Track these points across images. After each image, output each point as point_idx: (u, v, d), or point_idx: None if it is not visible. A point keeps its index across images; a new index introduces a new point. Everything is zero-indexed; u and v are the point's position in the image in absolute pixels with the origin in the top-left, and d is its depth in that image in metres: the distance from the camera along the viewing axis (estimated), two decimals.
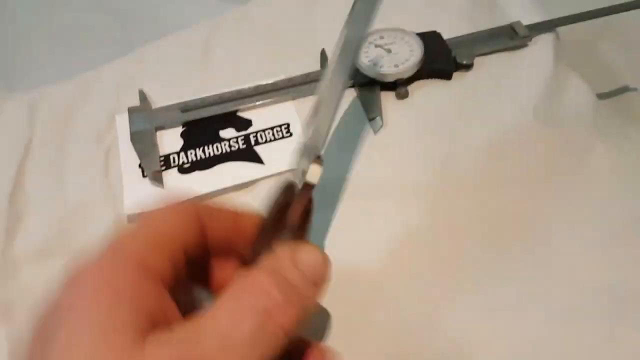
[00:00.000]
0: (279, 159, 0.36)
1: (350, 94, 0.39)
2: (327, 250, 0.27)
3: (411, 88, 0.39)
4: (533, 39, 0.41)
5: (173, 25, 0.52)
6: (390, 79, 0.38)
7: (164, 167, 0.36)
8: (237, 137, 0.38)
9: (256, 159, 0.36)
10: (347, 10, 0.44)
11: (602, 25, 0.58)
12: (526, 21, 0.41)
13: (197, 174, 0.36)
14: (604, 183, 0.33)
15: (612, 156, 0.34)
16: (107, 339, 0.17)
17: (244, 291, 0.20)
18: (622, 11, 0.42)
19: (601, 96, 0.49)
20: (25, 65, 0.51)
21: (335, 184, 0.35)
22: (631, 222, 0.31)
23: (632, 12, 0.44)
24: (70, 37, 0.54)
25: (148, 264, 0.20)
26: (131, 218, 0.35)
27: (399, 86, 0.39)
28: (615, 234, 0.31)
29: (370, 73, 0.39)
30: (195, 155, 0.37)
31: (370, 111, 0.38)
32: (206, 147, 0.37)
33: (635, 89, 0.52)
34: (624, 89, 0.52)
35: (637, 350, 0.27)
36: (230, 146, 0.37)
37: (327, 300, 0.25)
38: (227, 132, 0.38)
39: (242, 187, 0.36)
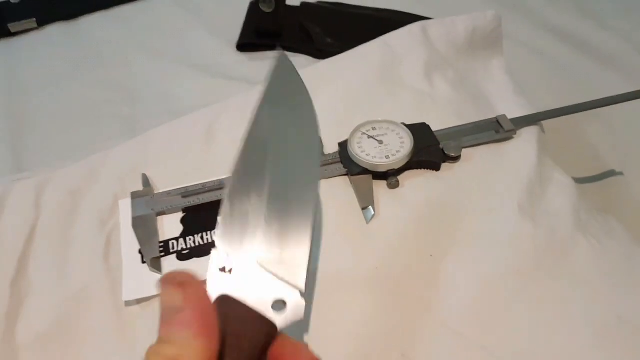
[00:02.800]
0: None
1: (344, 182, 0.41)
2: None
3: (401, 178, 0.41)
4: (518, 132, 0.43)
5: (179, 104, 0.55)
6: (382, 169, 0.40)
7: (163, 254, 0.38)
8: None
9: None
10: (342, 97, 0.47)
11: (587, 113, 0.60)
12: (512, 114, 0.44)
13: (194, 261, 0.37)
14: (587, 280, 0.35)
15: (596, 252, 0.36)
16: None
17: None
18: (603, 106, 0.45)
19: (585, 180, 0.52)
20: (34, 141, 0.54)
21: (330, 265, 0.36)
22: (614, 321, 0.32)
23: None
24: (78, 113, 0.57)
25: None
26: (129, 304, 0.36)
27: (390, 176, 0.40)
28: (598, 334, 0.32)
29: (363, 163, 0.41)
30: (194, 241, 0.39)
31: (363, 200, 0.40)
32: (204, 234, 0.39)
33: (620, 173, 0.54)
34: (609, 174, 0.54)
35: None
36: None
37: None
38: None
39: None
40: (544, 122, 0.45)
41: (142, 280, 0.37)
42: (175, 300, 0.21)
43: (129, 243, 0.38)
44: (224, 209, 0.26)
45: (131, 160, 0.44)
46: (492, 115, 0.44)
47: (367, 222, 0.39)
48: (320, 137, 0.29)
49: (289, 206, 0.27)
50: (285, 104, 0.30)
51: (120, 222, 0.40)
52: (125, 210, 0.40)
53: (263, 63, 0.61)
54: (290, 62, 0.32)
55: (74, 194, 0.42)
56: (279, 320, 0.24)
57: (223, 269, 0.25)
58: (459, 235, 0.37)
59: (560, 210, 0.38)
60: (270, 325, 0.24)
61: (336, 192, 0.41)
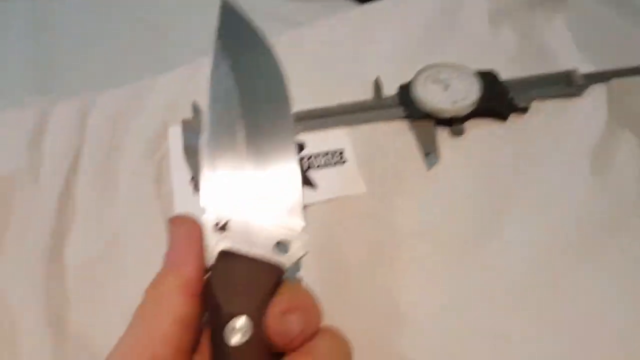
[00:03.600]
0: (330, 185, 0.36)
1: (404, 126, 0.39)
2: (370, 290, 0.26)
3: (467, 125, 0.39)
4: (589, 89, 0.41)
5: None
6: (447, 115, 0.38)
7: None
8: None
9: (309, 183, 0.36)
10: (401, 40, 0.45)
11: None
12: (580, 71, 0.42)
13: None
14: None
15: None
16: None
17: None
18: None
19: None
20: (68, 74, 0.51)
21: (389, 212, 0.34)
22: None
23: None
24: (108, 47, 0.54)
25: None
26: None
27: (454, 123, 0.39)
28: None
29: (427, 107, 0.39)
30: None
31: (425, 146, 0.38)
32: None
33: None
34: None
35: None
36: None
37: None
38: None
39: None
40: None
41: (193, 209, 0.35)
42: (169, 232, 0.24)
43: (180, 172, 0.37)
44: (205, 167, 0.25)
45: (180, 87, 0.42)
46: (555, 70, 0.42)
47: (429, 169, 0.37)
48: (285, 83, 0.27)
49: (270, 149, 0.25)
50: (242, 53, 0.28)
51: (170, 150, 0.38)
52: (175, 138, 0.39)
53: (303, 4, 0.58)
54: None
55: (120, 118, 0.40)
56: (284, 261, 0.23)
57: (217, 225, 0.23)
58: (525, 189, 0.35)
59: (629, 171, 0.36)
60: (276, 268, 0.23)
61: (395, 136, 0.39)
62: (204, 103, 0.40)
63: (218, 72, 0.27)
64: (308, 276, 0.25)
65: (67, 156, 0.37)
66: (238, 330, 0.22)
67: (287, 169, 0.25)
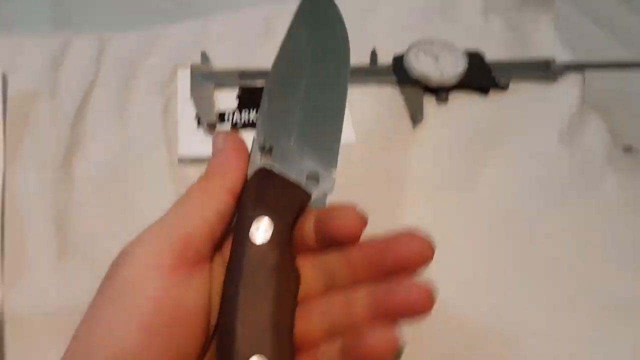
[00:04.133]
0: None
1: (395, 91, 0.43)
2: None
3: (451, 96, 0.43)
4: (564, 76, 0.45)
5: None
6: (434, 84, 0.42)
7: (219, 121, 0.39)
8: None
9: None
10: (400, 16, 0.49)
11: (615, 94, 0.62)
12: (558, 60, 0.46)
13: (248, 131, 0.39)
14: (613, 207, 0.37)
15: (622, 185, 0.38)
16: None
17: None
18: None
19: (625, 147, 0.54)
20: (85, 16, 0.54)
21: (377, 160, 0.38)
22: (634, 242, 0.35)
23: None
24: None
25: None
26: (182, 160, 0.37)
27: (440, 92, 0.42)
28: (619, 250, 0.34)
29: (417, 75, 0.42)
30: (249, 116, 0.40)
31: (412, 108, 0.41)
32: (255, 111, 0.41)
33: None
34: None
35: None
36: None
37: None
38: None
39: None
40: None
41: (197, 142, 0.38)
42: (219, 143, 0.27)
43: (186, 108, 0.40)
44: (262, 105, 0.29)
45: (191, 37, 0.45)
46: (537, 57, 0.46)
47: (414, 127, 0.41)
48: (349, 48, 0.31)
49: (323, 103, 0.29)
50: (318, 18, 0.32)
51: (178, 89, 0.41)
52: (184, 79, 0.42)
53: None
54: None
55: (134, 57, 0.43)
56: (314, 190, 0.27)
57: (263, 148, 0.27)
58: (499, 150, 0.39)
59: (594, 145, 0.40)
60: (305, 193, 0.26)
61: (386, 99, 0.43)
62: (212, 53, 0.44)
63: (297, 29, 0.31)
64: None
65: (84, 81, 0.40)
66: (262, 230, 0.25)
67: (334, 120, 0.29)
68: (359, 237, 0.26)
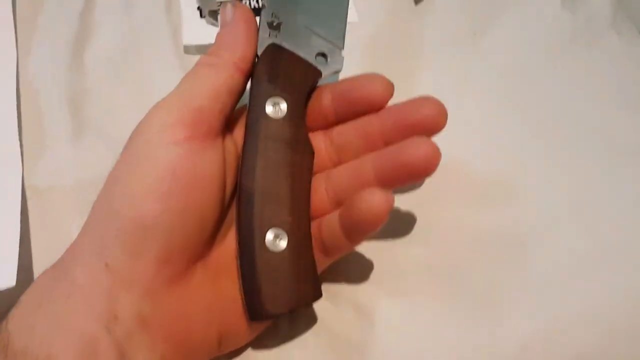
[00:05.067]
0: None
1: None
2: None
3: None
4: None
5: None
6: None
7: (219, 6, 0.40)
8: None
9: None
10: None
11: None
12: None
13: None
14: (615, 62, 0.37)
15: (627, 45, 0.38)
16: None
17: None
18: None
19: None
20: None
21: (381, 39, 0.38)
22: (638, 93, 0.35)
23: None
24: None
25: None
26: (187, 49, 0.38)
27: None
28: (629, 106, 0.35)
29: None
30: (250, 3, 0.40)
31: None
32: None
33: None
34: None
35: None
36: None
37: None
38: None
39: None
40: None
41: (201, 30, 0.39)
42: (228, 15, 0.27)
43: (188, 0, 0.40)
44: None
45: None
46: None
47: (416, 5, 0.40)
48: None
49: None
50: None
51: None
52: None
53: None
54: None
55: None
56: (323, 68, 0.27)
57: (271, 24, 0.27)
58: (502, 19, 0.39)
59: (599, 8, 0.40)
60: (315, 70, 0.27)
61: None
62: None
63: None
64: None
65: None
66: (277, 106, 0.26)
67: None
68: (386, 103, 0.26)
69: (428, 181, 0.30)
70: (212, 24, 0.39)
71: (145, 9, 0.40)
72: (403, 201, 0.32)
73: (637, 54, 0.38)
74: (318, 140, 0.28)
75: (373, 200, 0.23)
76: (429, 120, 0.25)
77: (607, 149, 0.33)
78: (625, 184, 0.32)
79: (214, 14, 0.39)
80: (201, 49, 0.38)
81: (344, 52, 0.28)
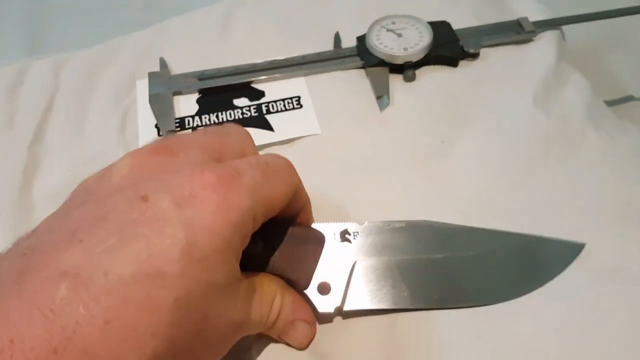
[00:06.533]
0: (288, 127, 0.38)
1: (360, 74, 0.41)
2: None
3: (418, 72, 0.41)
4: (538, 36, 0.43)
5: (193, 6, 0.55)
6: (399, 61, 0.40)
7: (178, 129, 0.38)
8: (249, 106, 0.40)
9: (267, 126, 0.38)
10: None
11: (612, 35, 0.60)
12: (532, 19, 0.43)
13: None
14: (596, 170, 0.35)
15: (606, 145, 0.36)
16: None
17: None
18: (626, 14, 0.44)
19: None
20: (48, 34, 0.54)
21: (344, 150, 0.37)
22: (622, 206, 0.33)
23: None
24: (93, 18, 0.57)
25: None
26: None
27: (406, 69, 0.40)
28: (605, 216, 0.32)
29: (381, 55, 0.40)
30: (209, 120, 0.39)
31: (378, 90, 0.40)
32: (220, 113, 0.39)
33: (638, 99, 0.54)
34: (628, 98, 0.53)
35: None
36: (242, 114, 0.39)
37: None
38: (241, 101, 0.40)
39: None
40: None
41: None
42: None
43: (146, 118, 0.39)
44: None
45: (149, 45, 0.44)
46: (513, 18, 0.43)
47: (381, 111, 0.39)
48: None
49: None
50: None
51: (137, 99, 0.40)
52: (142, 89, 0.41)
53: None
54: None
55: (92, 72, 0.42)
56: None
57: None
58: (472, 124, 0.37)
59: (573, 105, 0.38)
60: None
61: (351, 83, 0.41)
62: (170, 59, 0.43)
63: None
64: None
65: (41, 104, 0.40)
66: None
67: None
68: None
69: None
70: None
71: (99, 132, 0.38)
72: None
73: (617, 150, 0.36)
74: None
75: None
76: None
77: (591, 271, 0.30)
78: (613, 309, 0.29)
79: (172, 135, 0.38)
80: None
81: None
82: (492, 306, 0.28)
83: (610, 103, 0.52)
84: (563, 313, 0.28)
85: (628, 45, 0.60)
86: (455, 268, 0.29)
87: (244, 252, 0.23)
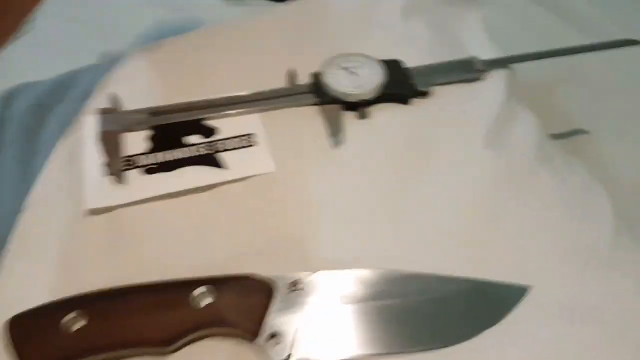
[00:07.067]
0: (241, 166, 0.38)
1: (314, 112, 0.41)
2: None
3: (372, 110, 0.41)
4: (489, 74, 0.44)
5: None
6: (353, 99, 0.41)
7: (127, 167, 0.37)
8: (201, 144, 0.39)
9: (218, 164, 0.38)
10: (319, 35, 0.48)
11: (565, 71, 0.62)
12: (484, 57, 0.44)
13: (159, 176, 0.37)
14: (549, 210, 0.35)
15: (556, 183, 0.37)
16: None
17: None
18: (575, 53, 0.45)
19: (554, 137, 0.53)
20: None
21: (298, 189, 0.36)
22: (571, 245, 0.33)
23: (595, 59, 0.47)
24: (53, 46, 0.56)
25: None
26: (93, 211, 0.35)
27: (360, 107, 0.41)
28: (563, 260, 0.33)
29: (335, 93, 0.41)
30: (160, 157, 0.38)
31: (332, 128, 0.40)
32: (171, 151, 0.39)
33: (588, 132, 0.56)
34: (578, 132, 0.55)
35: None
36: (195, 152, 0.39)
37: None
38: (193, 139, 0.40)
39: (204, 190, 0.37)
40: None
41: (105, 191, 0.36)
42: None
43: (93, 156, 0.38)
44: None
45: (99, 80, 0.43)
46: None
47: (335, 149, 0.39)
48: None
49: None
50: None
51: (84, 136, 0.39)
52: (90, 126, 0.40)
53: (239, 9, 0.61)
54: None
55: (42, 105, 0.41)
56: None
57: None
58: (423, 165, 0.38)
59: (523, 143, 0.39)
60: None
61: (305, 120, 0.41)
62: (121, 94, 0.42)
63: None
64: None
65: None
66: None
67: None
68: None
69: None
70: (117, 183, 0.37)
71: (45, 171, 0.37)
72: None
73: (567, 190, 0.37)
74: None
75: None
76: None
77: (540, 313, 0.30)
78: (561, 351, 0.30)
79: (119, 174, 0.37)
80: (102, 211, 0.36)
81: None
82: (438, 351, 0.28)
83: (559, 136, 0.54)
84: (511, 357, 0.28)
85: (577, 79, 0.62)
86: (405, 314, 0.29)
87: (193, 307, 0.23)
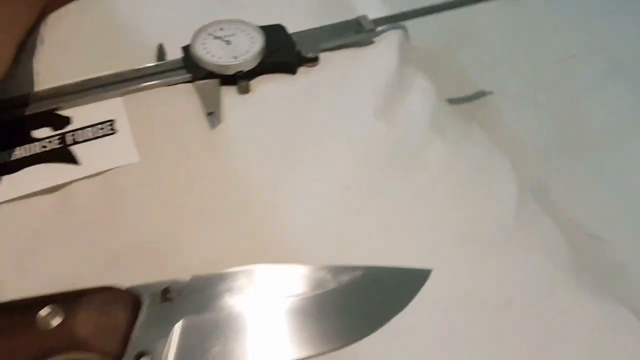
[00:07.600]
0: (97, 159, 0.32)
1: (188, 89, 0.36)
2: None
3: (254, 83, 0.36)
4: (380, 37, 0.40)
5: None
6: (230, 72, 0.36)
7: None
8: (51, 137, 0.33)
9: (70, 159, 0.32)
10: (184, 5, 0.42)
11: (461, 34, 0.60)
12: (372, 16, 0.40)
13: (1, 179, 0.31)
14: (440, 182, 0.32)
15: (449, 154, 0.34)
16: None
17: None
18: (469, 4, 0.42)
19: (453, 101, 0.50)
20: None
21: (168, 181, 0.31)
22: (468, 223, 0.30)
23: (490, 22, 0.45)
24: None
25: None
26: None
27: (239, 80, 0.36)
28: (462, 238, 0.29)
29: (209, 66, 0.36)
30: (1, 158, 0.32)
31: (208, 105, 0.35)
32: (14, 149, 0.32)
33: (486, 94, 0.54)
34: (477, 95, 0.53)
35: None
36: (42, 147, 0.32)
37: None
38: (41, 132, 0.33)
39: (53, 190, 0.31)
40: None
41: None
42: None
43: None
44: None
45: None
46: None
47: (213, 129, 0.34)
48: None
49: None
50: None
51: None
52: None
53: None
54: None
55: None
56: None
57: None
58: (311, 140, 0.33)
59: (417, 112, 0.35)
60: None
61: (177, 100, 0.36)
62: None
63: None
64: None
65: None
66: None
67: None
68: None
69: None
70: None
71: None
72: None
73: (463, 160, 0.34)
74: None
75: None
76: None
77: (440, 299, 0.27)
78: (467, 337, 0.26)
79: None
80: None
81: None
82: (338, 351, 0.24)
83: (457, 101, 0.52)
84: (414, 348, 0.25)
85: (476, 39, 0.61)
86: (296, 313, 0.25)
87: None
